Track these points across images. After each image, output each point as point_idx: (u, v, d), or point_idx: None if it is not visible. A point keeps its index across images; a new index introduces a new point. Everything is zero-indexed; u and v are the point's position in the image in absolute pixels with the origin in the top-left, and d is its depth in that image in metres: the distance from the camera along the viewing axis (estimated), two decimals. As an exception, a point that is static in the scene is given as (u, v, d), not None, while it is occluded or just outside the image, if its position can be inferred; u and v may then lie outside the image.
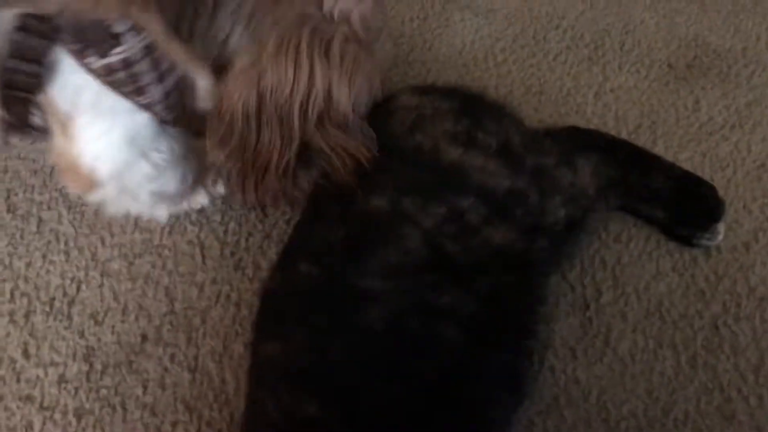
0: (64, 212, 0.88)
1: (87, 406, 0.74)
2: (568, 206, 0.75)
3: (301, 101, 0.65)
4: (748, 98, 0.99)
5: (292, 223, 0.83)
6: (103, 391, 0.75)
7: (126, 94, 0.64)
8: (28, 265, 0.84)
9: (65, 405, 0.75)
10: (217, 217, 0.88)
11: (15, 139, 0.71)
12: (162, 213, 0.86)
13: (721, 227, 0.83)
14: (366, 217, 0.69)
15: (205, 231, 0.87)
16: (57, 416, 0.74)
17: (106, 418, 0.74)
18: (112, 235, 0.86)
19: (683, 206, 0.84)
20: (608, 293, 0.82)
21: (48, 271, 0.83)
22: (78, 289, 0.82)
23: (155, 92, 0.64)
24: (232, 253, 0.85)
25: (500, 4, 1.12)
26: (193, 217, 0.88)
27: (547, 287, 0.77)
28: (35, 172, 0.91)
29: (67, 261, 0.84)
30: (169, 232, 0.87)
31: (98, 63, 0.61)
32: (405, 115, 0.76)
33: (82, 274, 0.83)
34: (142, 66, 0.62)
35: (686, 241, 0.84)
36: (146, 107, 0.66)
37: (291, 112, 0.66)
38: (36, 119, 0.67)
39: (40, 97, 0.64)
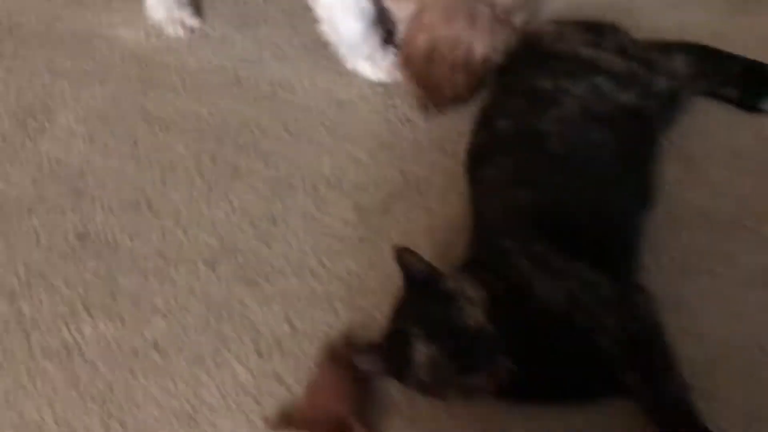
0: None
1: (364, 235, 1.17)
2: (668, 82, 1.14)
3: (455, 48, 1.10)
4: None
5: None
6: (372, 227, 1.18)
7: None
8: (307, 161, 1.29)
9: (351, 236, 1.18)
10: (424, 124, 1.31)
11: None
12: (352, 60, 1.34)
13: None
14: (537, 92, 1.11)
15: (417, 133, 1.30)
16: (346, 242, 1.17)
17: (378, 241, 1.17)
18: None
19: (750, 82, 1.21)
20: (699, 145, 1.20)
21: (321, 162, 1.28)
22: (343, 172, 1.26)
23: None
24: (438, 145, 1.28)
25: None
26: (407, 127, 1.31)
27: (657, 136, 1.15)
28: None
29: (332, 157, 1.29)
30: (394, 136, 1.30)
31: None
32: (550, 34, 1.19)
33: (343, 162, 1.28)
34: None
35: (755, 108, 1.21)
36: None
37: (450, 53, 1.11)
38: None
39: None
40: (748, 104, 1.22)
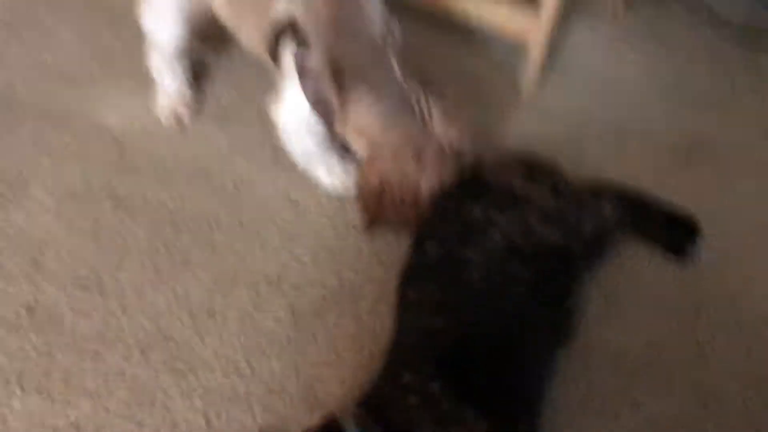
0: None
1: (292, 336, 1.22)
2: (595, 225, 1.20)
3: (403, 186, 1.21)
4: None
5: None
6: (301, 329, 1.23)
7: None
8: (254, 258, 1.35)
9: (280, 336, 1.23)
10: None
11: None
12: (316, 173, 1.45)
13: (701, 242, 1.26)
14: (469, 221, 1.17)
15: (359, 240, 1.37)
16: (275, 342, 1.22)
17: (305, 344, 1.21)
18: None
19: (676, 230, 1.27)
20: (623, 285, 1.25)
21: (267, 259, 1.35)
22: (285, 270, 1.32)
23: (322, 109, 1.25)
24: (376, 255, 1.34)
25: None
26: (351, 233, 1.37)
27: (581, 277, 1.20)
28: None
29: (277, 255, 1.35)
30: (337, 240, 1.36)
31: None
32: (491, 165, 1.26)
33: (287, 261, 1.34)
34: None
35: (679, 253, 1.27)
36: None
37: (399, 191, 1.22)
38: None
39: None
40: (673, 250, 1.27)
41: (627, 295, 1.24)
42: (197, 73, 1.66)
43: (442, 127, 1.22)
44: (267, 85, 1.40)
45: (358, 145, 1.27)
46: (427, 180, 1.22)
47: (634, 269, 1.27)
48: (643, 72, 1.67)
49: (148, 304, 1.30)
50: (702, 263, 1.26)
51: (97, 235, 1.41)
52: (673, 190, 1.37)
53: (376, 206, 1.28)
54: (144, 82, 1.63)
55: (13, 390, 1.19)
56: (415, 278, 1.17)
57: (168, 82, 1.59)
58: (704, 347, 1.16)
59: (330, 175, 1.42)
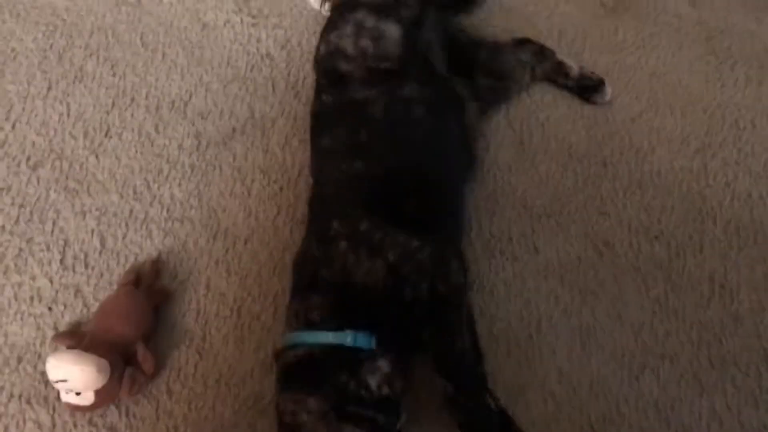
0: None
1: (197, 164, 1.17)
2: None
3: None
4: (652, 30, 1.42)
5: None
6: (207, 157, 1.18)
7: None
8: (156, 78, 1.26)
9: (183, 162, 1.17)
10: (283, 64, 1.30)
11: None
12: None
13: (608, 89, 1.29)
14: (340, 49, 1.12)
15: (275, 72, 1.29)
16: (177, 168, 1.16)
17: (209, 173, 1.16)
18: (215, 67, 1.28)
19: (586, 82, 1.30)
20: (537, 133, 1.25)
21: (171, 81, 1.25)
22: (190, 96, 1.24)
23: None
24: (293, 88, 1.27)
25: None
26: (266, 63, 1.30)
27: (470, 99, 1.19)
28: None
29: (182, 78, 1.26)
30: (251, 70, 1.28)
31: None
32: None
33: (193, 87, 1.25)
34: None
35: (588, 99, 1.30)
36: None
37: None
38: None
39: None
40: (584, 97, 1.31)
41: (540, 145, 1.24)
42: None
43: None
44: None
45: None
46: None
47: (549, 120, 1.27)
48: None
49: (38, 117, 1.19)
50: (613, 120, 1.28)
51: (-21, 39, 1.26)
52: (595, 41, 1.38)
53: None
54: None
55: None
56: (325, 126, 1.11)
57: None
58: (606, 202, 1.19)
59: None
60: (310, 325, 0.92)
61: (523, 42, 1.29)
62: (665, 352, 1.03)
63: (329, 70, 1.12)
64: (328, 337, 0.90)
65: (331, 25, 1.15)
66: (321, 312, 0.92)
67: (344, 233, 0.96)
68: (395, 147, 1.05)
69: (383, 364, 0.90)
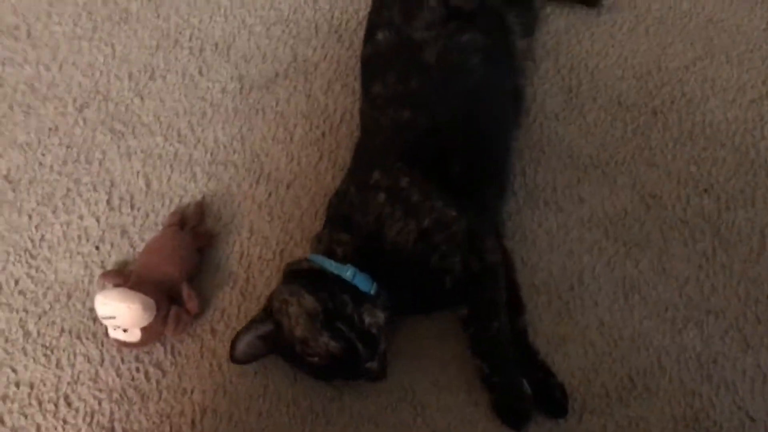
0: None
1: (240, 108, 1.17)
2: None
3: None
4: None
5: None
6: (250, 101, 1.18)
7: None
8: (200, 20, 1.25)
9: (226, 106, 1.17)
10: (327, 6, 1.28)
11: None
12: None
13: None
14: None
15: (317, 15, 1.27)
16: (221, 111, 1.16)
17: (252, 116, 1.16)
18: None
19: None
20: (585, 82, 1.22)
21: (214, 23, 1.25)
22: (234, 38, 1.23)
23: None
24: (336, 32, 1.26)
25: None
26: (309, 5, 1.28)
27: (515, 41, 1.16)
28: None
29: (225, 21, 1.25)
30: (294, 12, 1.27)
31: None
32: None
33: (236, 29, 1.24)
34: None
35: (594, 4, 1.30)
36: None
37: None
38: None
39: None
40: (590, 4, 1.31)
41: (588, 93, 1.21)
42: None
43: None
44: None
45: None
46: None
47: (598, 68, 1.23)
48: None
49: (84, 58, 1.20)
50: (666, 68, 1.24)
51: (26, -21, 1.27)
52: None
53: None
54: None
55: (-65, 136, 1.12)
56: (376, 71, 1.09)
57: None
58: (655, 153, 1.16)
59: None
60: (330, 256, 0.93)
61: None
62: (710, 307, 1.01)
63: None
64: (331, 265, 0.91)
65: None
66: (345, 250, 0.93)
67: (384, 185, 0.95)
68: (446, 97, 1.03)
69: (381, 317, 0.90)
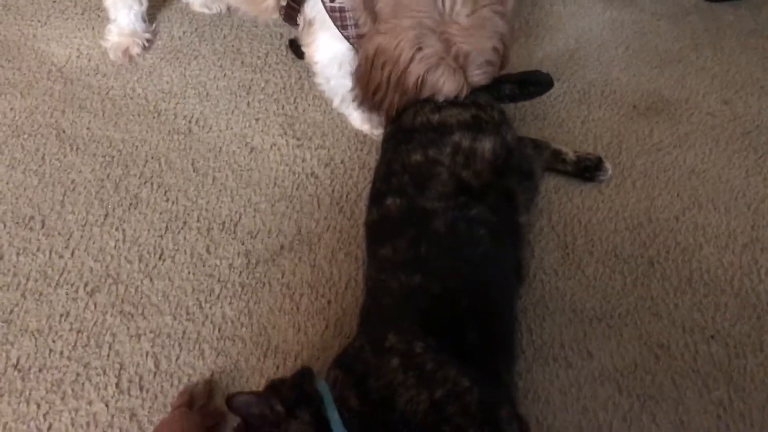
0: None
1: (246, 282, 1.20)
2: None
3: (394, 63, 1.17)
4: (686, 129, 1.45)
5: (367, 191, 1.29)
6: (257, 274, 1.21)
7: (337, 26, 1.23)
8: (207, 201, 1.31)
9: (234, 281, 1.20)
10: (328, 181, 1.34)
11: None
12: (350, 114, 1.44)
13: (608, 165, 1.35)
14: (415, 167, 1.14)
15: (319, 189, 1.33)
16: (228, 287, 1.19)
17: (259, 290, 1.19)
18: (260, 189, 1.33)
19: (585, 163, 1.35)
20: (580, 237, 1.25)
21: (221, 203, 1.30)
22: (240, 216, 1.28)
23: (350, 32, 1.23)
24: (337, 203, 1.31)
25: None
26: (311, 181, 1.34)
27: (520, 205, 1.18)
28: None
29: (232, 200, 1.31)
30: (297, 189, 1.33)
31: (328, 4, 1.20)
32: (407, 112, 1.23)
33: (242, 208, 1.30)
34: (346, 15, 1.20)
35: (591, 179, 1.35)
36: (345, 37, 1.25)
37: (389, 65, 1.18)
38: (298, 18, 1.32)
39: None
40: (585, 177, 1.36)
41: (584, 248, 1.24)
42: (150, 3, 1.59)
43: (466, 32, 1.16)
44: (221, 20, 1.35)
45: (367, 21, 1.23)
46: (417, 70, 1.17)
47: (591, 223, 1.28)
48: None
49: (95, 244, 1.24)
50: (656, 219, 1.28)
51: (41, 173, 1.34)
52: (631, 143, 1.41)
53: (365, 76, 1.23)
54: (92, 14, 1.56)
55: (-52, 328, 1.13)
56: (384, 235, 1.12)
57: (122, 15, 1.51)
58: (657, 302, 1.18)
59: (362, 118, 1.41)
60: (339, 409, 0.91)
61: (520, 138, 1.30)
62: (735, 460, 0.98)
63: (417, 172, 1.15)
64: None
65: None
66: (351, 416, 0.91)
67: (400, 350, 0.94)
68: (457, 266, 1.06)
69: None
